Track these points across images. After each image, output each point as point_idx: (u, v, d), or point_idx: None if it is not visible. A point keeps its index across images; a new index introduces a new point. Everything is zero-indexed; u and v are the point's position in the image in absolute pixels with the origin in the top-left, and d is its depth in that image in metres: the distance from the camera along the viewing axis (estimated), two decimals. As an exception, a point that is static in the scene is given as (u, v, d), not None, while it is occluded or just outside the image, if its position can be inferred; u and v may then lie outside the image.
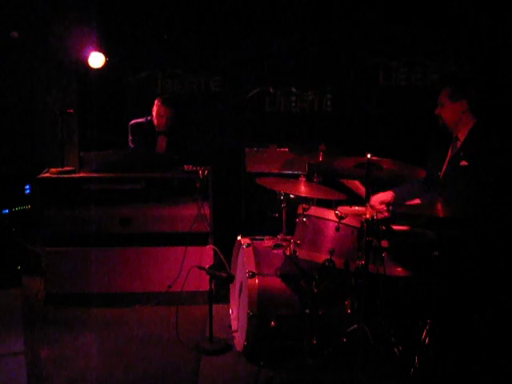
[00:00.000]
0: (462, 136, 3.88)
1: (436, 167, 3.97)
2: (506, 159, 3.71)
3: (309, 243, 3.50)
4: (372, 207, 3.60)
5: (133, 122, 5.41)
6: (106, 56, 5.42)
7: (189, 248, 4.57)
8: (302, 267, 3.67)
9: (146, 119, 5.37)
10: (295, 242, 3.55)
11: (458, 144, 3.90)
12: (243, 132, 5.77)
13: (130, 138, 5.40)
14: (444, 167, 3.95)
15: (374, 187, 3.59)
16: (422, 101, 4.11)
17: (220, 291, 4.46)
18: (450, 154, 3.97)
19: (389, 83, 5.77)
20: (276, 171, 4.90)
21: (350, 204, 4.01)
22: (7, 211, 5.25)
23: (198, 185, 4.65)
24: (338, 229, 3.42)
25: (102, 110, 5.83)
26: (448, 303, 3.45)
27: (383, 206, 3.94)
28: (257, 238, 4.13)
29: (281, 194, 4.21)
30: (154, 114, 5.33)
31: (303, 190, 3.78)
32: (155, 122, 5.34)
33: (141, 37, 5.81)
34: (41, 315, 4.48)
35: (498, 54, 5.44)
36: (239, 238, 4.09)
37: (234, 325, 4.12)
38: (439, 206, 3.27)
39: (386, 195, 4.01)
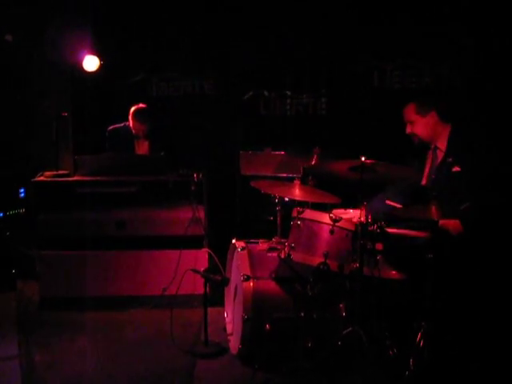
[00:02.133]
0: (441, 144, 3.92)
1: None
2: (496, 157, 3.75)
3: (303, 246, 3.50)
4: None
5: (110, 127, 5.40)
6: (100, 59, 5.41)
7: (183, 251, 4.56)
8: (296, 270, 3.67)
9: (125, 124, 5.36)
10: (290, 245, 3.55)
11: (439, 153, 3.93)
12: (238, 135, 5.78)
13: (107, 145, 5.36)
14: (426, 175, 4.02)
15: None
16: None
17: (215, 294, 4.44)
18: (429, 162, 4.03)
19: (383, 86, 5.78)
20: (270, 174, 4.90)
21: (345, 207, 4.01)
22: (1, 215, 5.23)
23: (192, 188, 4.65)
24: (332, 232, 3.43)
25: (96, 114, 5.82)
26: (442, 305, 3.46)
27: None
28: (251, 241, 4.13)
29: (275, 197, 4.21)
30: (131, 125, 5.33)
31: (298, 193, 3.79)
32: (134, 132, 5.34)
33: (135, 40, 5.82)
34: (35, 319, 4.47)
35: (491, 56, 5.46)
36: (234, 241, 4.09)
37: (229, 328, 4.12)
38: (433, 209, 3.28)
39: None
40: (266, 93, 5.95)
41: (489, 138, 3.97)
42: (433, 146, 4.00)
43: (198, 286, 4.13)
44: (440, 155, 3.93)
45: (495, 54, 5.41)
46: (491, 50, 5.41)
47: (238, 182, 5.48)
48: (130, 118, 5.30)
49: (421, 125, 3.94)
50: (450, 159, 3.81)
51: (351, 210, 4.00)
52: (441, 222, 3.50)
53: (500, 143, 3.99)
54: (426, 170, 4.05)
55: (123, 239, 4.66)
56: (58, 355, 3.86)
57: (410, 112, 3.99)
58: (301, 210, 3.59)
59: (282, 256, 3.61)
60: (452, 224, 3.57)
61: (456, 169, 3.75)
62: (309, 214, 3.55)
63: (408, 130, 4.01)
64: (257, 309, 3.59)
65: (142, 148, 5.41)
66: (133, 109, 5.30)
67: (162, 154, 5.15)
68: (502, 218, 3.64)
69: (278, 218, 4.22)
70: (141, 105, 5.35)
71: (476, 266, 3.51)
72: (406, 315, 3.51)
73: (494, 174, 3.70)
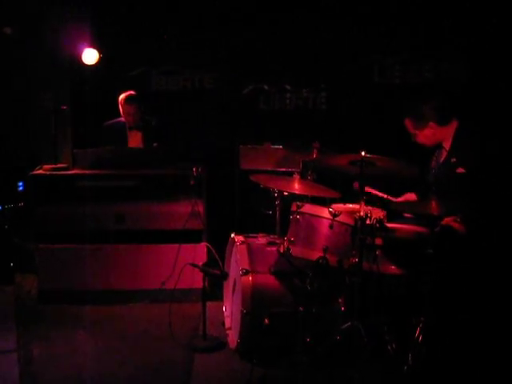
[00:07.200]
0: (446, 144, 3.84)
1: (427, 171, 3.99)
2: (499, 158, 3.70)
3: (302, 241, 3.49)
4: None
5: (105, 123, 5.41)
6: (99, 52, 5.40)
7: (182, 245, 4.56)
8: (295, 265, 3.66)
9: (119, 119, 5.37)
10: (289, 240, 3.54)
11: (444, 151, 3.86)
12: (237, 129, 5.76)
13: (103, 140, 5.35)
14: (431, 170, 3.96)
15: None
16: (417, 99, 4.10)
17: (213, 289, 4.45)
18: (434, 159, 3.96)
19: (383, 81, 5.77)
20: (270, 168, 4.90)
21: (344, 202, 4.01)
22: (0, 208, 5.22)
23: (192, 182, 4.64)
24: (331, 226, 3.42)
25: (95, 107, 5.81)
26: (441, 301, 3.46)
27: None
28: (250, 235, 4.13)
29: (275, 192, 4.20)
30: (121, 113, 5.32)
31: (297, 187, 3.78)
32: (125, 120, 5.34)
33: (135, 33, 5.79)
34: (33, 313, 4.48)
35: (493, 51, 5.45)
36: (233, 235, 4.08)
37: (228, 322, 4.11)
38: (433, 204, 3.27)
39: (410, 196, 4.00)
40: (265, 87, 5.93)
41: (495, 138, 3.89)
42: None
43: (197, 280, 4.12)
44: (444, 154, 3.85)
45: (496, 50, 5.40)
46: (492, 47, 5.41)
47: (237, 177, 5.47)
48: (120, 106, 5.29)
49: (421, 137, 3.87)
50: (454, 159, 3.72)
51: (350, 205, 3.99)
52: (445, 220, 3.49)
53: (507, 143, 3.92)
54: (432, 165, 3.97)
55: (122, 233, 4.66)
56: (56, 348, 3.86)
57: (408, 127, 3.91)
58: (300, 204, 3.57)
59: (281, 250, 3.60)
60: (457, 225, 3.54)
61: (460, 170, 3.65)
62: (308, 208, 3.54)
63: (413, 138, 3.94)
64: (256, 303, 3.59)
65: (135, 139, 5.40)
66: (121, 96, 5.30)
67: (155, 144, 5.20)
68: (505, 218, 3.61)
69: (277, 213, 4.22)
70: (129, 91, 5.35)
71: (476, 261, 3.51)
72: (405, 310, 3.52)
73: (500, 176, 3.63)
